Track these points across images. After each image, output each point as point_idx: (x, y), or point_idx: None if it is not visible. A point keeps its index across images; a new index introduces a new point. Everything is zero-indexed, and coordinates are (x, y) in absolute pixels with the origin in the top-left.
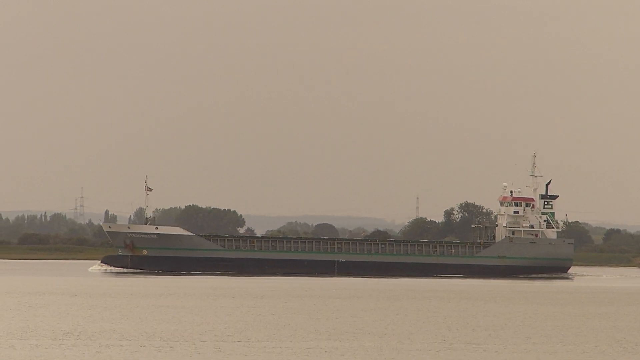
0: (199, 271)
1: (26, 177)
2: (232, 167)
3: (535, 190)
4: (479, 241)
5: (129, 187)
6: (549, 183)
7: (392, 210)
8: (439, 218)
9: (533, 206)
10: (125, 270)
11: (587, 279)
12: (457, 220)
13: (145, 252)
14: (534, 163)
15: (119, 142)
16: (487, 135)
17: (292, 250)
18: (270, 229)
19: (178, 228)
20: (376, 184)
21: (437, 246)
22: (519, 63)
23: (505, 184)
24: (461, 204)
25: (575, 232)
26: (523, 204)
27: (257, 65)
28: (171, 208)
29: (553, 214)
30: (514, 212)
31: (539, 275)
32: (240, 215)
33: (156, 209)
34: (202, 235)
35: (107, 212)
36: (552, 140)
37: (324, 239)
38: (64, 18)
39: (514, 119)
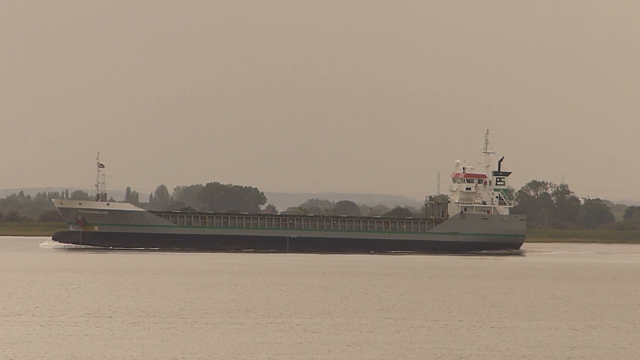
0: (150, 247)
1: (48, 155)
2: (254, 144)
3: (487, 166)
4: (431, 217)
5: (150, 165)
6: (501, 160)
7: (413, 187)
8: None
9: (485, 183)
10: (75, 246)
11: (538, 254)
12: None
13: (96, 229)
14: (487, 140)
15: (141, 119)
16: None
17: (244, 226)
18: (291, 207)
19: (129, 204)
20: (397, 161)
21: (389, 222)
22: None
23: (457, 160)
24: None
25: (597, 210)
26: (475, 180)
27: (278, 42)
28: (192, 185)
29: (506, 190)
30: (467, 189)
31: (491, 251)
32: (262, 192)
33: (177, 187)
34: (153, 212)
35: (128, 189)
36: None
37: (276, 215)
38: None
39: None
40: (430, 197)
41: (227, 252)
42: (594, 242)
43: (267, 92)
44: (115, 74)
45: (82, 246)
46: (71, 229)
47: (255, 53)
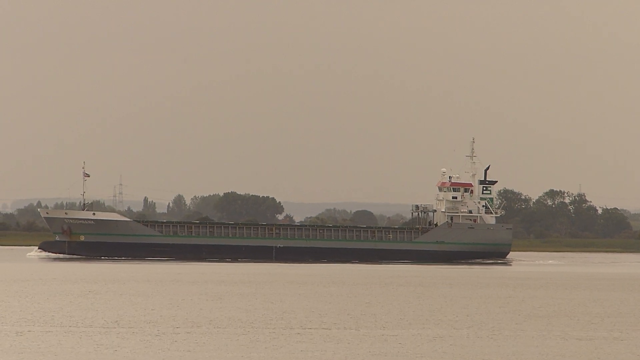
0: (136, 257)
1: (65, 165)
2: (272, 154)
3: (473, 175)
4: (418, 226)
5: (168, 174)
6: (487, 168)
7: (431, 197)
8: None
9: (472, 191)
10: (62, 256)
11: (524, 264)
12: (496, 207)
13: (82, 238)
14: (473, 148)
15: (158, 130)
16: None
17: (230, 236)
18: (309, 216)
19: (115, 214)
20: (415, 171)
21: (375, 231)
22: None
23: (443, 169)
24: (500, 191)
25: (614, 219)
26: (462, 189)
27: (294, 51)
28: (210, 195)
29: (492, 199)
30: (453, 198)
31: (478, 260)
32: (279, 202)
33: (195, 196)
34: (139, 221)
35: (145, 199)
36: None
37: (262, 224)
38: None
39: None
40: (417, 206)
41: (214, 262)
42: (612, 251)
43: (285, 102)
44: (134, 86)
45: (69, 256)
46: (57, 238)
47: (270, 63)
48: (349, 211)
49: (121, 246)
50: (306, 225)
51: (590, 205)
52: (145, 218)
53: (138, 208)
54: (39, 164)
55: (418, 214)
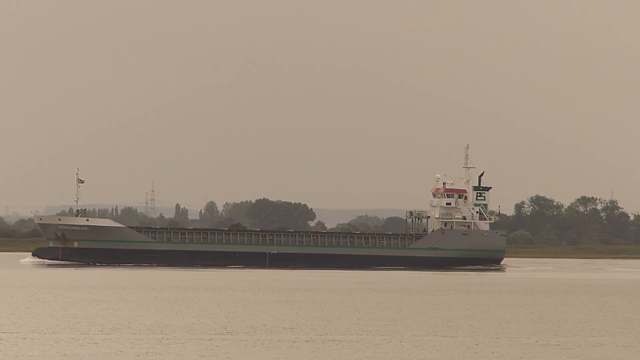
0: (130, 263)
1: (97, 172)
2: (303, 160)
3: (467, 182)
4: (411, 233)
5: (200, 181)
6: (481, 175)
7: (425, 203)
8: (510, 211)
9: (466, 198)
10: (56, 262)
11: (518, 270)
12: (528, 213)
13: (76, 244)
14: (467, 155)
15: (190, 136)
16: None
17: (224, 242)
18: (340, 223)
19: (109, 220)
20: (408, 176)
21: (369, 238)
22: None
23: (438, 175)
24: (532, 197)
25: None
26: (455, 195)
27: (327, 54)
28: (242, 202)
29: (486, 205)
30: (447, 204)
31: (472, 267)
32: (311, 208)
33: (227, 203)
34: (133, 227)
35: (178, 205)
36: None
37: (256, 230)
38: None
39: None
40: (411, 212)
41: (208, 268)
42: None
43: (316, 110)
44: (168, 94)
45: (62, 262)
46: (51, 244)
47: (299, 70)
48: (380, 218)
49: (115, 252)
50: (299, 232)
51: (622, 212)
52: (177, 225)
53: (170, 215)
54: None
55: (412, 220)
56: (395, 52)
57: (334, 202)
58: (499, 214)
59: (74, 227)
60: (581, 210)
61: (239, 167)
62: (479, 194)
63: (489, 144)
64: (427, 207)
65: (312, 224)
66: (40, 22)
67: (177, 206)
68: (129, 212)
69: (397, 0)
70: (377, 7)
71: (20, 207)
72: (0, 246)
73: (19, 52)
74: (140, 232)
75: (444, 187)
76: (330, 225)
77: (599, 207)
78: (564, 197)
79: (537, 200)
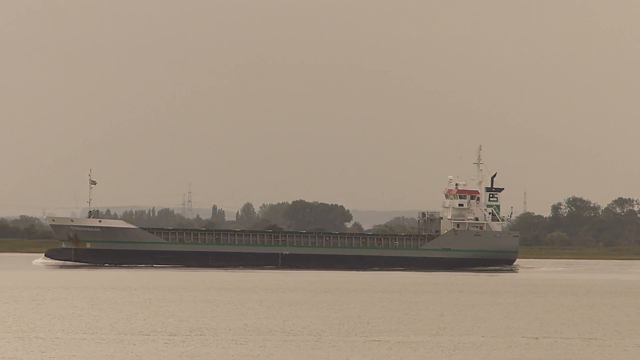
0: (142, 264)
1: (135, 173)
2: (340, 162)
3: (480, 183)
4: (424, 234)
5: (237, 182)
6: (494, 176)
7: (438, 204)
8: (547, 213)
9: (478, 199)
10: (69, 263)
11: (531, 271)
12: (565, 215)
13: (88, 245)
14: (479, 155)
15: (227, 138)
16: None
17: (237, 243)
18: (377, 224)
19: (121, 221)
20: (422, 178)
21: (382, 239)
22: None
23: (450, 176)
24: (569, 199)
25: None
26: (468, 196)
27: (349, 57)
28: (278, 203)
29: (498, 206)
30: (459, 205)
31: (484, 268)
32: (348, 210)
33: (264, 204)
34: (145, 228)
35: (214, 207)
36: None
37: (268, 232)
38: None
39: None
40: (423, 213)
41: (221, 269)
42: None
43: (353, 111)
44: (207, 95)
45: (74, 263)
46: (63, 246)
47: (334, 70)
48: (417, 219)
49: (127, 253)
50: (312, 233)
51: None
52: (214, 226)
53: (207, 216)
54: (109, 173)
55: (424, 221)
56: (411, 55)
57: (370, 203)
58: (510, 216)
59: (86, 228)
60: (618, 211)
61: (276, 168)
62: (491, 195)
63: (520, 146)
64: (440, 208)
65: (348, 225)
66: (52, 20)
67: (214, 207)
68: (165, 213)
69: (417, 3)
70: (397, 9)
71: (57, 209)
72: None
73: (43, 50)
74: (153, 233)
75: (456, 188)
76: (366, 226)
77: (635, 208)
78: (601, 199)
79: (574, 202)
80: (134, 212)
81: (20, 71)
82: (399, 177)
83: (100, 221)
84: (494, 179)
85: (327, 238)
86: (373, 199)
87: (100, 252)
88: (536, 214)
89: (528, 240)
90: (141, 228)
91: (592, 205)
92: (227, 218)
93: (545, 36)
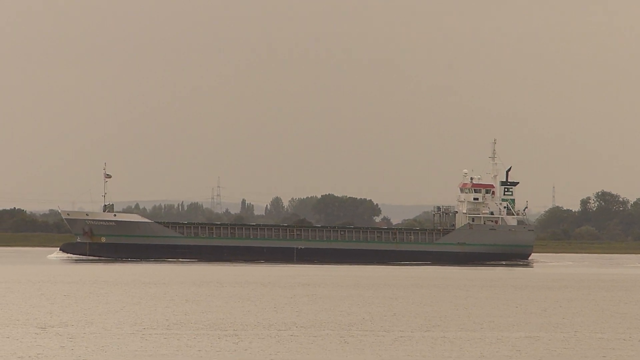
0: (158, 258)
1: (164, 168)
2: (370, 156)
3: (495, 176)
4: (439, 228)
5: (265, 177)
6: (509, 170)
7: (528, 199)
8: (575, 207)
9: (493, 193)
10: (84, 257)
11: (547, 265)
12: (594, 209)
13: (103, 240)
14: (494, 149)
15: (256, 133)
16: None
17: (252, 237)
18: (406, 218)
19: (136, 215)
20: (512, 172)
21: (397, 233)
22: None
23: (465, 170)
24: (597, 193)
25: None
26: (483, 190)
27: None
28: (307, 197)
29: (513, 200)
30: (474, 199)
31: (499, 262)
32: (377, 204)
33: (292, 199)
34: (160, 222)
35: (243, 201)
36: None
37: (283, 225)
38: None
39: None
40: (438, 207)
41: (236, 263)
42: None
43: (380, 104)
44: (237, 90)
45: (90, 258)
46: (78, 240)
47: (363, 66)
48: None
49: (142, 247)
50: (327, 227)
51: None
52: (243, 221)
53: (236, 210)
54: (139, 166)
55: (439, 215)
56: (426, 51)
57: (399, 197)
58: (525, 210)
59: (101, 223)
60: None
61: (306, 162)
62: (506, 189)
63: (549, 140)
64: (456, 202)
65: (377, 219)
66: (68, 11)
67: (243, 202)
68: (195, 208)
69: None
70: (417, 5)
71: (84, 203)
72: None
73: (60, 44)
74: (168, 227)
75: (471, 182)
76: (395, 220)
77: None
78: (630, 193)
79: (603, 196)
80: (163, 207)
81: (44, 67)
82: (428, 171)
83: (115, 215)
84: (509, 172)
85: (342, 232)
86: (402, 193)
87: (116, 246)
88: (565, 208)
89: (557, 235)
90: (156, 222)
91: (621, 199)
92: (256, 212)
93: (572, 27)
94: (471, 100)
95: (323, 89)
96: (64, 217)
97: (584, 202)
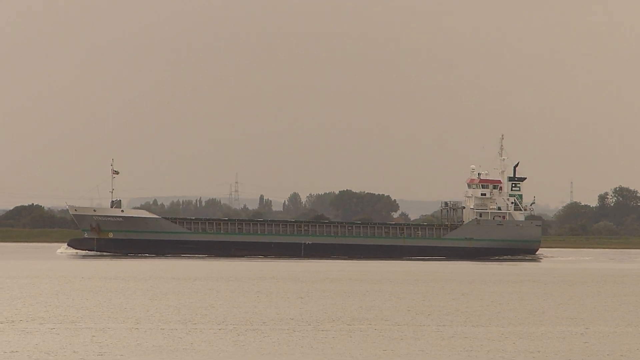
0: (165, 254)
1: (182, 164)
2: (387, 152)
3: (502, 172)
4: (447, 223)
5: (283, 173)
6: (516, 165)
7: (546, 194)
8: (593, 202)
9: (500, 188)
10: (91, 253)
11: (554, 260)
12: (612, 204)
13: (111, 235)
14: (502, 145)
15: (274, 129)
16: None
17: (259, 233)
18: (424, 214)
19: (144, 211)
20: (531, 168)
21: (404, 228)
22: None
23: (473, 166)
24: (615, 189)
25: None
26: (490, 186)
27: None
28: (325, 193)
29: (520, 196)
30: (482, 195)
31: (507, 257)
32: (394, 199)
33: (310, 194)
34: (167, 218)
35: (261, 197)
36: None
37: (291, 221)
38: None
39: None
40: (446, 202)
41: (244, 258)
42: None
43: (397, 101)
44: (257, 86)
45: (97, 253)
46: (86, 235)
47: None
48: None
49: (150, 243)
50: (334, 223)
51: None
52: (261, 216)
53: (254, 206)
54: (157, 163)
55: (447, 211)
56: (432, 50)
57: (417, 193)
58: (532, 205)
59: (108, 218)
60: None
61: (324, 158)
62: (513, 185)
63: (567, 137)
64: (463, 197)
65: (395, 215)
66: (76, 6)
67: (261, 197)
68: (213, 203)
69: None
70: (428, 3)
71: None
72: None
73: (71, 39)
74: (175, 222)
75: (478, 178)
76: (413, 216)
77: None
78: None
79: (621, 191)
80: (181, 203)
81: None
82: (446, 167)
83: (122, 211)
84: (517, 168)
85: (349, 228)
86: (420, 189)
87: (123, 242)
88: (583, 203)
89: (575, 230)
90: (164, 218)
91: (638, 194)
92: (274, 208)
93: (582, 24)
94: (484, 97)
95: (343, 87)
96: (71, 213)
97: (602, 198)
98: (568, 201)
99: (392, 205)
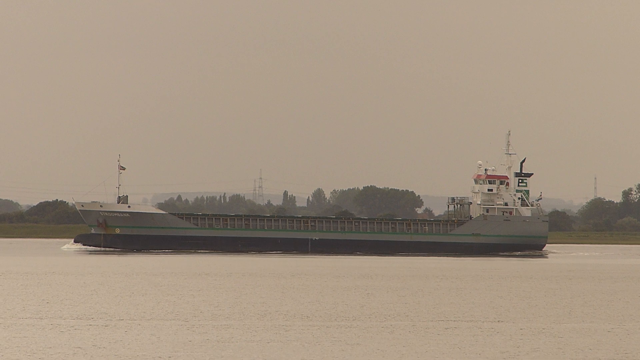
0: (171, 249)
1: (206, 160)
2: (411, 147)
3: (509, 168)
4: (453, 219)
5: (307, 168)
6: (523, 161)
7: (570, 190)
8: (617, 198)
9: (507, 184)
10: (98, 248)
11: (561, 256)
12: (636, 200)
13: (118, 231)
14: (508, 141)
15: (298, 125)
16: None
17: (266, 228)
18: (447, 210)
19: (150, 206)
20: (555, 164)
21: (411, 224)
22: None
23: (479, 162)
24: (639, 184)
25: None
26: (497, 181)
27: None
28: (349, 189)
29: (527, 191)
30: (488, 190)
31: (514, 253)
32: (418, 195)
33: (334, 190)
34: (174, 214)
35: (285, 193)
36: None
37: (297, 217)
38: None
39: None
40: (453, 198)
41: (250, 254)
42: None
43: (421, 96)
44: (283, 83)
45: (104, 249)
46: (93, 231)
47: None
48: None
49: (156, 239)
50: (341, 218)
51: None
52: (285, 212)
53: (278, 202)
54: (177, 159)
55: (454, 207)
56: (437, 45)
57: (441, 189)
58: (538, 201)
59: (115, 214)
60: None
61: (348, 154)
62: (520, 180)
63: (592, 132)
64: (470, 193)
65: (419, 211)
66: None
67: (285, 193)
68: (237, 199)
69: None
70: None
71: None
72: None
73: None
74: (182, 218)
75: (485, 174)
76: (437, 212)
77: None
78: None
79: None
80: (205, 199)
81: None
82: (470, 163)
83: (129, 207)
84: (523, 164)
85: (356, 224)
86: (444, 185)
87: (130, 238)
88: (607, 199)
89: (599, 226)
90: (170, 213)
91: None
92: (298, 204)
93: (599, 15)
94: (490, 92)
95: (367, 84)
96: (78, 209)
97: (626, 194)
98: (592, 197)
99: (416, 201)
